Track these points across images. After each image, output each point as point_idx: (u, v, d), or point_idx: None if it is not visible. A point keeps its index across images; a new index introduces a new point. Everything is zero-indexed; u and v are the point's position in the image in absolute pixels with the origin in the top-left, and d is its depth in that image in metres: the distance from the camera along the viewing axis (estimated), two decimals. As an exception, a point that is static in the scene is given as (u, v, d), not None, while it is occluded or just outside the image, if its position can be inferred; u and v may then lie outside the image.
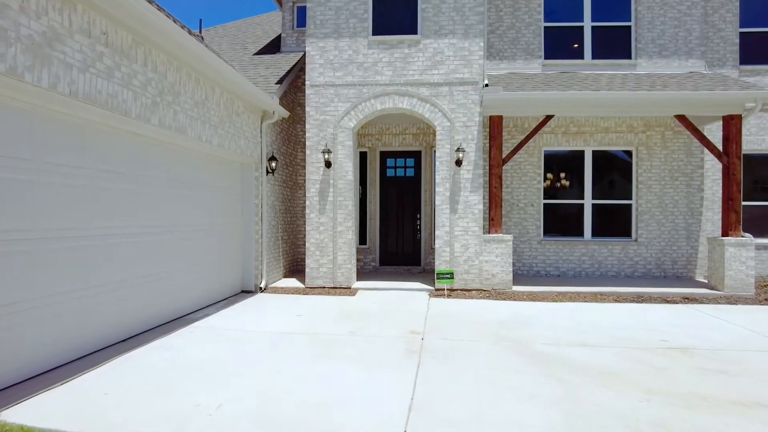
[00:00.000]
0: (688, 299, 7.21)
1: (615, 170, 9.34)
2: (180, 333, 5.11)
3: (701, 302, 7.07)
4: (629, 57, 9.09)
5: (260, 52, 10.75)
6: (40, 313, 3.77)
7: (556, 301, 7.15)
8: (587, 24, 9.17)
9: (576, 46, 9.26)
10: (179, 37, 4.95)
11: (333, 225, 8.12)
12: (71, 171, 4.07)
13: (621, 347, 4.75)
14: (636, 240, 9.04)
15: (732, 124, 7.51)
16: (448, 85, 7.89)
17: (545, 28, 9.27)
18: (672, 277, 8.91)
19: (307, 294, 7.66)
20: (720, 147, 7.80)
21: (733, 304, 6.99)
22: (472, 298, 7.40)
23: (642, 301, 7.13)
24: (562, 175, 9.39)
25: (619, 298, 7.29)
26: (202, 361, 4.21)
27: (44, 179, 3.80)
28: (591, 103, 7.66)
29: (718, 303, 7.03)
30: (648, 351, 4.61)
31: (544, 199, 9.30)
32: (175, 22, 5.41)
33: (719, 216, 8.92)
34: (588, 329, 5.50)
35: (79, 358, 4.16)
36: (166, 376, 3.81)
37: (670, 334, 5.26)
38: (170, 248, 5.62)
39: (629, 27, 9.10)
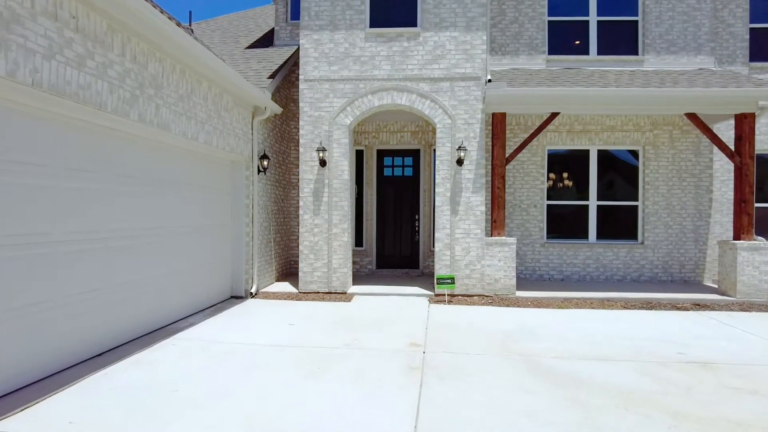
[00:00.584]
0: (699, 306, 6.90)
1: (621, 170, 9.01)
2: (161, 345, 4.71)
3: (713, 309, 6.76)
4: (636, 53, 8.76)
5: (252, 46, 10.33)
6: (3, 328, 3.37)
7: (562, 307, 6.81)
8: (593, 18, 8.83)
9: (578, 42, 8.92)
10: (161, 24, 4.54)
11: (328, 227, 7.73)
12: (35, 170, 3.66)
13: (637, 361, 4.42)
14: (642, 243, 8.73)
15: (745, 123, 7.20)
16: (449, 80, 7.52)
17: (549, 22, 8.92)
18: (679, 281, 8.60)
19: (300, 300, 7.28)
20: (731, 146, 7.50)
21: (747, 311, 6.68)
22: (474, 304, 7.05)
23: (651, 308, 6.81)
24: (566, 175, 9.07)
25: (627, 305, 6.97)
26: (183, 379, 3.82)
27: (3, 179, 3.40)
28: (599, 100, 7.32)
29: (731, 310, 6.73)
30: (667, 366, 4.28)
31: (548, 200, 8.97)
32: (156, 8, 5.00)
33: (728, 218, 8.64)
34: (600, 340, 5.16)
35: (50, 376, 3.77)
36: (141, 399, 3.41)
37: (687, 345, 4.94)
38: (151, 252, 5.22)
39: (636, 21, 8.77)
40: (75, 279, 4.07)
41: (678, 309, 6.75)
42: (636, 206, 8.86)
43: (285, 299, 7.31)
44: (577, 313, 6.51)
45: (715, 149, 8.39)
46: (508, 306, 6.91)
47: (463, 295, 7.47)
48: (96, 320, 4.34)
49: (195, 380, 3.82)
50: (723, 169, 8.72)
